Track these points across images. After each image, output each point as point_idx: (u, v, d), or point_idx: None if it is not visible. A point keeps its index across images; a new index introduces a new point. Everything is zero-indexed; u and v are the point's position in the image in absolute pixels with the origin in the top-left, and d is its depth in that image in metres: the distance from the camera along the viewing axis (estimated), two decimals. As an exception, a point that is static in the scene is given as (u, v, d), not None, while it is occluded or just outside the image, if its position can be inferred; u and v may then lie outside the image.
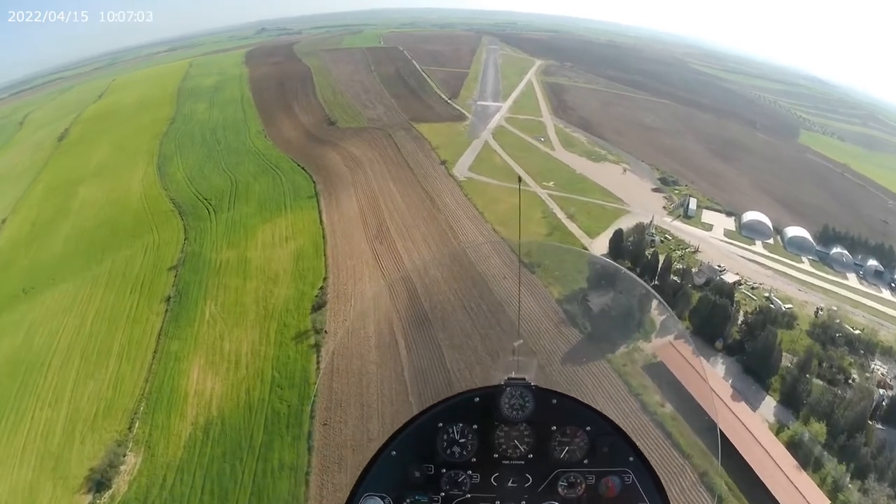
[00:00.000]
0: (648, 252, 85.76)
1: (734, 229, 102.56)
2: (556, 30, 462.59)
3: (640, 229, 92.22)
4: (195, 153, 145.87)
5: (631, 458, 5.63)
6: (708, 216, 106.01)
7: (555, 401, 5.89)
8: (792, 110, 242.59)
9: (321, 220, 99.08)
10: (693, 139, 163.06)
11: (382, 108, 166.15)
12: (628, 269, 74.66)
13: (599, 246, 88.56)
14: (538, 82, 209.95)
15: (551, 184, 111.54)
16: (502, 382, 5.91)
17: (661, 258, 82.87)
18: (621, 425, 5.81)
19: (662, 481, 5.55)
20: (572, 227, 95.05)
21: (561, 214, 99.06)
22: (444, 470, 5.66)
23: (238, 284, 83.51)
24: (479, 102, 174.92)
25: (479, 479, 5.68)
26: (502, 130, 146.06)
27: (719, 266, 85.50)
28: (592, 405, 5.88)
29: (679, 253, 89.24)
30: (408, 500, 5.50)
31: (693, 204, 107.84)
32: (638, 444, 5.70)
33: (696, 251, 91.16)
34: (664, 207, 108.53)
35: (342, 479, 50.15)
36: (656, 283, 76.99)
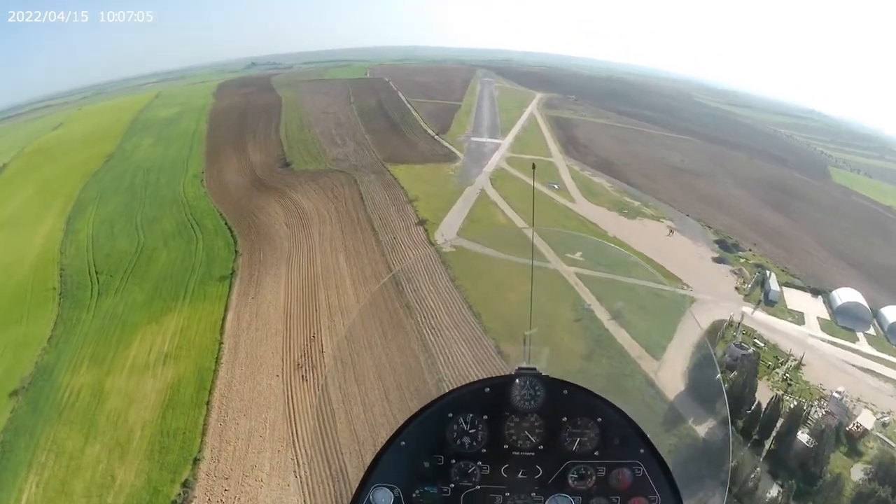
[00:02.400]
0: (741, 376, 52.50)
1: (827, 316, 70.33)
2: (553, 65, 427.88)
3: (719, 333, 61.51)
4: (115, 202, 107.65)
5: (642, 450, 5.07)
6: (791, 297, 73.39)
7: (566, 391, 5.28)
8: (811, 145, 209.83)
9: (223, 327, 60.31)
10: (732, 183, 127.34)
11: (353, 146, 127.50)
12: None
13: (671, 379, 49.55)
14: (541, 116, 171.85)
15: (578, 255, 72.74)
16: (513, 372, 5.29)
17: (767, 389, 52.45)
18: (633, 417, 5.16)
19: (673, 474, 5.00)
20: (622, 336, 55.38)
21: (601, 311, 60.07)
22: (454, 461, 5.12)
23: (75, 449, 46.57)
24: (473, 139, 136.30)
25: (489, 471, 5.14)
26: (503, 174, 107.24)
27: (838, 392, 51.95)
28: (604, 396, 5.25)
29: (783, 372, 56.64)
30: (417, 492, 5.01)
31: (774, 282, 73.70)
32: (649, 436, 5.10)
33: (800, 365, 58.24)
34: (737, 289, 72.29)
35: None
36: (773, 447, 45.88)
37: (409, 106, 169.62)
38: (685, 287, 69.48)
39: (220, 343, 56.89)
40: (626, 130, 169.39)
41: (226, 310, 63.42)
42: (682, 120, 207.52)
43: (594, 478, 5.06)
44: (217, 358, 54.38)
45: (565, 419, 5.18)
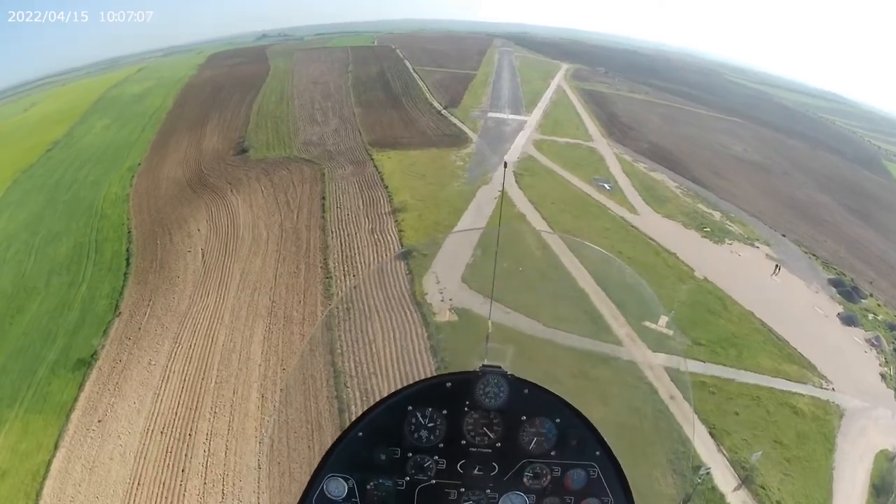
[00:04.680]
0: None
1: None
2: (570, 38, 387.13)
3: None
4: (28, 210, 75.79)
5: (598, 453, 4.93)
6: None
7: (527, 391, 4.98)
8: (856, 134, 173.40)
9: (42, 486, 30.48)
10: (808, 182, 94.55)
11: (336, 124, 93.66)
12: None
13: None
14: (571, 88, 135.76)
15: (663, 323, 41.10)
16: (477, 369, 4.97)
17: None
18: (591, 420, 4.93)
19: (628, 479, 4.85)
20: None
21: (724, 467, 31.48)
22: (411, 454, 4.87)
23: None
24: (490, 114, 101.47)
25: (445, 466, 4.91)
26: (532, 165, 73.79)
27: None
28: (564, 398, 4.99)
29: None
30: (372, 483, 4.80)
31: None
32: (606, 439, 4.91)
33: None
34: (883, 377, 41.73)
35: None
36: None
37: (414, 75, 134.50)
38: (826, 383, 39.23)
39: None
40: (670, 109, 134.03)
41: (56, 444, 33.19)
42: (723, 99, 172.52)
43: (549, 477, 4.88)
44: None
45: (524, 418, 4.90)
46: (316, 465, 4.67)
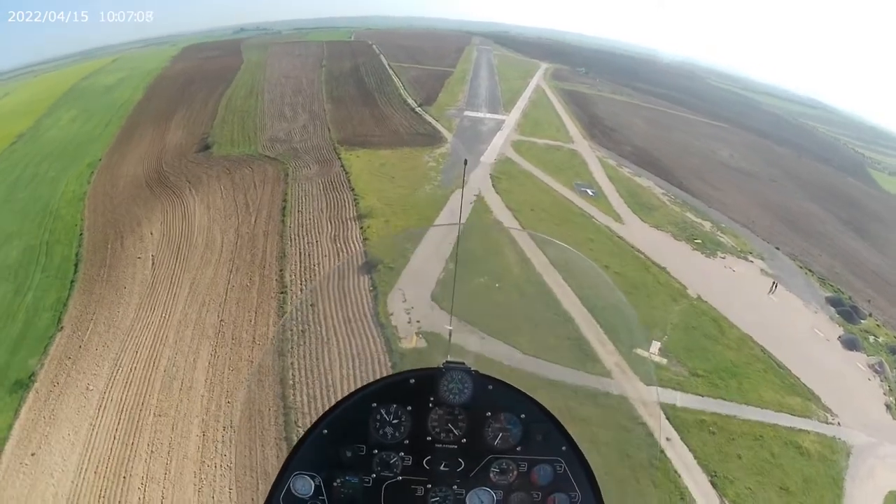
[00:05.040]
0: None
1: None
2: (550, 38, 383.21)
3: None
4: None
5: (564, 448, 4.89)
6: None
7: (491, 387, 4.96)
8: (839, 140, 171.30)
9: None
10: (797, 191, 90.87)
11: (305, 119, 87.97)
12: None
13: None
14: (551, 88, 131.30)
15: (655, 351, 36.93)
16: (441, 365, 4.94)
17: None
18: (556, 415, 4.91)
19: (594, 472, 4.82)
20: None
21: None
22: (377, 451, 4.83)
23: None
24: (467, 112, 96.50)
25: (411, 462, 4.86)
26: (511, 169, 69.17)
27: None
28: (528, 393, 4.98)
29: None
30: (338, 481, 4.70)
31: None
32: (571, 434, 4.89)
33: None
34: (888, 407, 37.78)
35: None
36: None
37: (389, 71, 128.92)
38: (831, 417, 35.58)
39: None
40: (654, 112, 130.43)
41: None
42: (707, 103, 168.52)
43: (516, 473, 4.84)
44: None
45: (489, 414, 4.87)
46: (282, 464, 4.49)
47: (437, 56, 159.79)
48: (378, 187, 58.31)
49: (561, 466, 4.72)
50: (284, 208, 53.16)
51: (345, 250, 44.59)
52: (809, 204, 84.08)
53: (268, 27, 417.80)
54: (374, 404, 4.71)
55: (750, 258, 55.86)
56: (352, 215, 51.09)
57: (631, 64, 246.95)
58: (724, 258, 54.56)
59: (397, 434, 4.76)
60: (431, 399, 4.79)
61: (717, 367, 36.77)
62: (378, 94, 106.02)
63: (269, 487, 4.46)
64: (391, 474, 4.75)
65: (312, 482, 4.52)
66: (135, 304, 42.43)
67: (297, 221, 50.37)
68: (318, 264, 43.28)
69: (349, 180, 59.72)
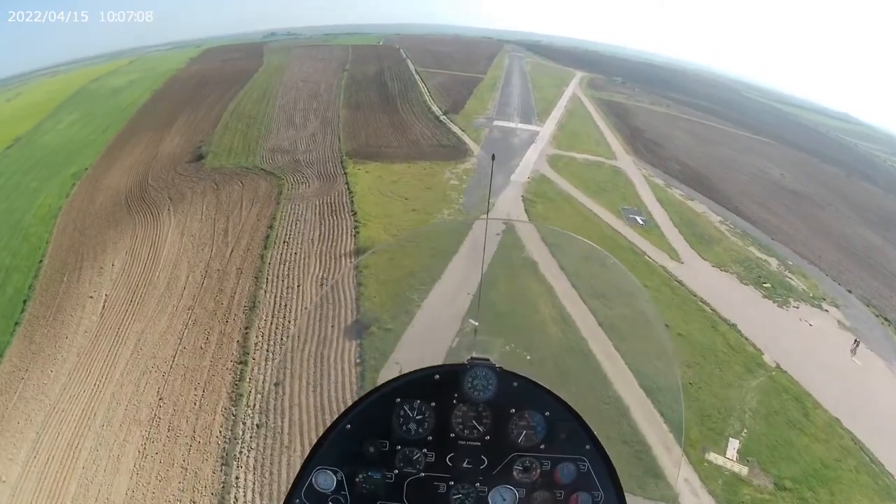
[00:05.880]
0: None
1: None
2: (581, 48, 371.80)
3: None
4: None
5: (587, 447, 4.73)
6: None
7: (516, 384, 4.79)
8: (880, 158, 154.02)
9: None
10: (854, 217, 77.48)
11: (315, 127, 78.64)
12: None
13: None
14: (588, 98, 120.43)
15: (734, 455, 26.25)
16: (466, 361, 4.78)
17: None
18: (581, 413, 4.69)
19: (617, 471, 4.60)
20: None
21: None
22: (399, 447, 4.63)
23: None
24: (497, 122, 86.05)
25: (434, 459, 4.68)
26: (546, 189, 58.81)
27: None
28: (553, 391, 4.76)
29: None
30: (360, 476, 4.54)
31: None
32: (596, 432, 4.68)
33: None
34: None
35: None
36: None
37: (416, 76, 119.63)
38: None
39: None
40: (694, 124, 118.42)
41: None
42: (746, 116, 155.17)
43: (539, 471, 4.66)
44: None
45: (513, 411, 4.71)
46: (304, 458, 4.41)
47: (467, 62, 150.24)
48: (386, 211, 48.25)
49: (584, 465, 4.54)
50: (268, 237, 43.29)
51: (332, 300, 34.26)
52: (865, 230, 72.00)
53: (298, 32, 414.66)
54: (398, 400, 4.52)
55: (824, 306, 44.81)
56: (346, 249, 41.01)
57: (663, 73, 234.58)
58: (797, 307, 43.56)
59: (420, 430, 4.55)
60: (455, 395, 4.59)
61: (807, 471, 26.53)
62: (400, 101, 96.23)
63: (292, 482, 4.27)
64: (413, 470, 4.53)
65: (335, 477, 4.34)
66: (71, 363, 33.04)
67: (279, 256, 40.44)
68: (296, 320, 33.23)
69: (352, 201, 49.75)
